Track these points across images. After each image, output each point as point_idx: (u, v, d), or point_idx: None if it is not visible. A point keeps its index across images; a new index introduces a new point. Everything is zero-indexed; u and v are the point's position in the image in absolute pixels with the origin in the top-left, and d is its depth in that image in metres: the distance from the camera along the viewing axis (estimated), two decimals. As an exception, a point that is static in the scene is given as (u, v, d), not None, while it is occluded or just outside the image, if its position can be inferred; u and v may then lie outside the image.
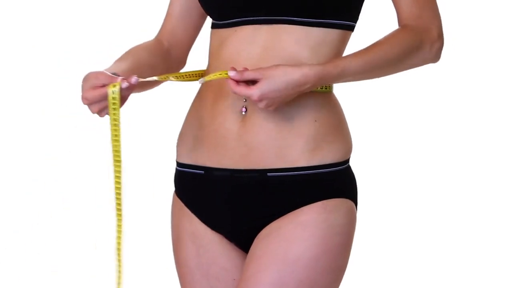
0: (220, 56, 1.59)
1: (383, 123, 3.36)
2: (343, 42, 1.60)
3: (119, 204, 1.52)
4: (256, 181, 1.57)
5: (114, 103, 1.44)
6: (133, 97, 3.42)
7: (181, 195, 1.70)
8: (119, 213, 1.53)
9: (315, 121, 1.57)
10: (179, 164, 1.69)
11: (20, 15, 3.33)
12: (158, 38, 1.73)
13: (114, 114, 1.45)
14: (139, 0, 3.29)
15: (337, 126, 1.60)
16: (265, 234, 1.57)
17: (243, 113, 1.56)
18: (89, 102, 1.47)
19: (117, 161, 1.48)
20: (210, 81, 1.54)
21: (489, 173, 3.38)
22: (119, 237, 1.54)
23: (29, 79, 3.34)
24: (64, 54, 3.32)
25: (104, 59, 3.26)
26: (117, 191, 1.51)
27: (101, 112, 1.48)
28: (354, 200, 1.64)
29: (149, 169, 3.31)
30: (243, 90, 1.46)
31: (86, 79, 1.48)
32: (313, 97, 1.57)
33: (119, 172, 1.49)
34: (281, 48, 1.55)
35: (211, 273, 1.66)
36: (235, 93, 1.47)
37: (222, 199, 1.61)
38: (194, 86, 1.75)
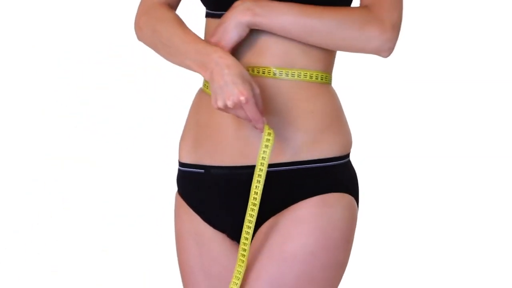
0: None
1: (386, 120, 3.36)
2: None
3: (244, 249, 1.52)
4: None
5: (266, 145, 1.47)
6: (138, 98, 3.40)
7: (183, 195, 1.70)
8: (242, 259, 1.53)
9: (312, 112, 1.56)
10: (181, 164, 1.68)
11: (20, 15, 3.33)
12: (163, 3, 1.69)
13: (264, 152, 1.48)
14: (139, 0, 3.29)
15: (335, 119, 1.59)
16: (264, 231, 1.57)
17: None
18: (245, 104, 1.44)
19: (253, 204, 1.50)
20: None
21: (489, 169, 3.38)
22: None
23: (29, 79, 3.34)
24: (64, 54, 3.32)
25: (104, 59, 3.28)
26: (247, 230, 1.51)
27: (228, 110, 1.47)
28: (355, 195, 1.62)
29: (152, 169, 3.31)
30: None
31: (245, 75, 1.46)
32: (306, 88, 1.56)
33: (253, 215, 1.50)
34: (281, 39, 1.55)
35: (213, 273, 1.66)
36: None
37: (222, 197, 1.61)
38: (196, 88, 1.75)
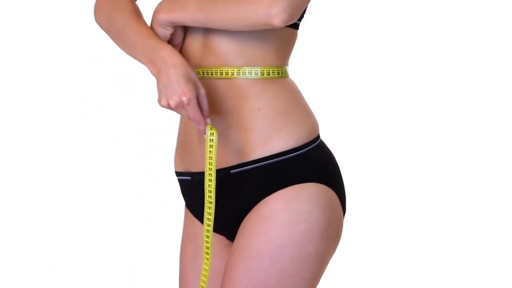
0: None
1: (380, 117, 3.36)
2: (287, 39, 1.59)
3: (207, 247, 1.54)
4: (222, 180, 1.56)
5: (211, 145, 1.50)
6: (138, 98, 3.37)
7: (184, 200, 1.73)
8: (207, 256, 1.55)
9: (259, 109, 1.55)
10: (175, 173, 1.71)
11: (20, 15, 3.33)
12: None
13: (210, 152, 1.50)
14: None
15: (287, 112, 1.57)
16: (238, 232, 1.59)
17: None
18: (187, 104, 1.46)
19: (209, 202, 1.51)
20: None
21: (481, 165, 3.40)
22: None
23: (29, 79, 3.34)
24: (64, 54, 3.32)
25: (104, 59, 3.28)
26: (207, 228, 1.53)
27: (170, 107, 1.48)
28: (327, 183, 1.58)
29: (152, 169, 3.32)
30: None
31: (190, 76, 1.47)
32: (253, 85, 1.56)
33: (210, 213, 1.52)
34: (228, 38, 1.55)
35: None
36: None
37: None
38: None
